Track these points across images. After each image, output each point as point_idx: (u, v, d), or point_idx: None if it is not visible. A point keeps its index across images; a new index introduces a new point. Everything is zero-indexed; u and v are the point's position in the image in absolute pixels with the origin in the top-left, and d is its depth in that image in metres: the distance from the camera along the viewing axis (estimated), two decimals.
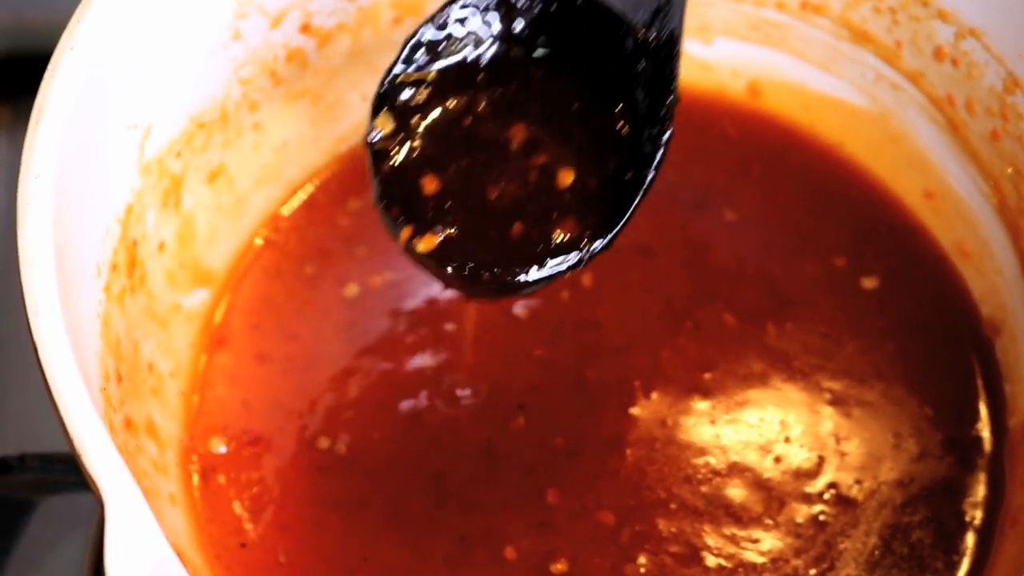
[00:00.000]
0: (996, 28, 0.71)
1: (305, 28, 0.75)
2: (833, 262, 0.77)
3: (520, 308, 0.76)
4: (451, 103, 0.67)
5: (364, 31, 0.77)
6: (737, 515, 0.70)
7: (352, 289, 0.77)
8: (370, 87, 0.78)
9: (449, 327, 0.75)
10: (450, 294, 0.75)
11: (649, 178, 0.64)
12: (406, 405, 0.73)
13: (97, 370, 0.63)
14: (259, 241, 0.78)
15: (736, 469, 0.71)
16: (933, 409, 0.73)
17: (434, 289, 0.76)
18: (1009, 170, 0.73)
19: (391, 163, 0.66)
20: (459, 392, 0.74)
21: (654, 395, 0.73)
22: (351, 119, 0.80)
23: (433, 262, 0.65)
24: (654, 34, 0.65)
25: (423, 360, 0.75)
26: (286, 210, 0.79)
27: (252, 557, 0.70)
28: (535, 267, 0.64)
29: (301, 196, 0.79)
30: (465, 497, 0.71)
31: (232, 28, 0.71)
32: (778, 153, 0.81)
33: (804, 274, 0.77)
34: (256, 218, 0.78)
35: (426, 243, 0.65)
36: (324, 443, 0.72)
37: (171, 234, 0.72)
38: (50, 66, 0.62)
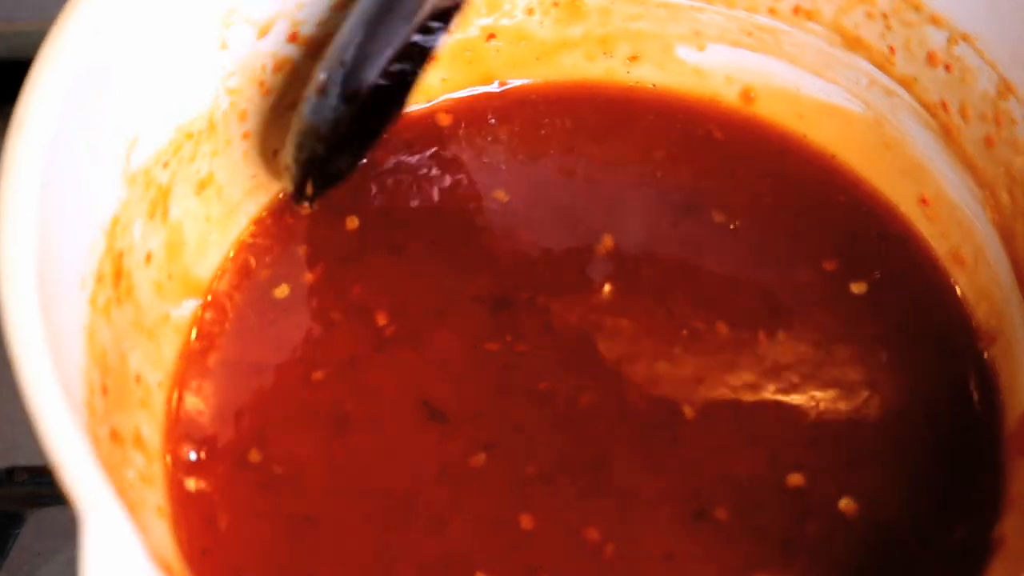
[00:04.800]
0: (989, 33, 0.70)
1: (293, 37, 0.74)
2: (824, 267, 0.77)
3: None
4: None
5: None
6: (727, 530, 0.69)
7: (283, 290, 0.76)
8: None
9: (383, 323, 0.75)
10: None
11: None
12: (333, 419, 0.72)
13: (81, 383, 0.63)
14: (231, 254, 0.77)
15: (726, 483, 0.70)
16: (926, 420, 0.72)
17: (363, 286, 0.76)
18: (1003, 176, 0.72)
19: None
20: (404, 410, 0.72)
21: (647, 409, 0.72)
22: None
23: None
24: None
25: (355, 367, 0.74)
26: (264, 213, 0.78)
27: (210, 563, 0.69)
28: None
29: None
30: (421, 524, 0.69)
31: (219, 37, 0.71)
32: (770, 158, 0.80)
33: (795, 280, 0.76)
34: (246, 227, 0.77)
35: None
36: (255, 456, 0.71)
37: (159, 245, 0.72)
38: (31, 76, 0.61)
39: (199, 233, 0.75)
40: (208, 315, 0.75)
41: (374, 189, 0.79)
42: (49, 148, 0.60)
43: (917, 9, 0.73)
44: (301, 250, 0.77)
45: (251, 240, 0.77)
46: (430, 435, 0.71)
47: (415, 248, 0.77)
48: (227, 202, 0.76)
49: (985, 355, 0.74)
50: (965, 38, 0.71)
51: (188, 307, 0.74)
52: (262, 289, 0.76)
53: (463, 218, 0.78)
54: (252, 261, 0.77)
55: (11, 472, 0.74)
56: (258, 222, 0.78)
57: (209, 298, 0.75)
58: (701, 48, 0.80)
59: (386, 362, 0.73)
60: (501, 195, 0.78)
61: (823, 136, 0.80)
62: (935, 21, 0.72)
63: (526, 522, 0.69)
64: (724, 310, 0.75)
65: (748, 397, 0.73)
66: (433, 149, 0.80)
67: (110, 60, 0.65)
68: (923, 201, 0.77)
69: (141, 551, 0.53)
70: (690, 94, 0.81)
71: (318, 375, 0.73)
